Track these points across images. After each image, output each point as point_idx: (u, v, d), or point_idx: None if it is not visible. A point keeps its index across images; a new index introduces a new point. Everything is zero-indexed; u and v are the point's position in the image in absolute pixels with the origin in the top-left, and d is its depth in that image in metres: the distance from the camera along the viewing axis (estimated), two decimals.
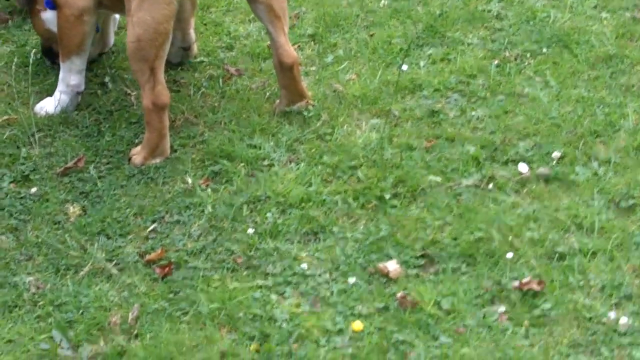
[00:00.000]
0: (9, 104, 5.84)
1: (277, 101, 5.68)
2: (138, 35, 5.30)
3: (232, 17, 6.32)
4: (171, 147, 5.44)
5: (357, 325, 4.41)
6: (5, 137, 5.62)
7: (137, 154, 5.40)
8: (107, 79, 5.98)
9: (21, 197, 5.25)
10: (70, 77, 5.82)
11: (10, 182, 5.33)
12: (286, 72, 5.53)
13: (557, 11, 6.06)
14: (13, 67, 6.05)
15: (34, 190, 5.28)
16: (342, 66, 5.87)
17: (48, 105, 5.87)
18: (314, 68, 5.89)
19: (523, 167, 5.06)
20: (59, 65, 5.84)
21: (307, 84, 5.71)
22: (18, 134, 5.61)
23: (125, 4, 5.32)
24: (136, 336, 4.49)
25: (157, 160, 5.42)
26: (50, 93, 5.86)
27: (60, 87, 5.86)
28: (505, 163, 5.14)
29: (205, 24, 6.27)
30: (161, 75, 5.36)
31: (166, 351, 4.38)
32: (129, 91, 5.79)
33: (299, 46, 6.08)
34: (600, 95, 5.45)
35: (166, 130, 5.41)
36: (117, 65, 5.87)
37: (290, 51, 5.50)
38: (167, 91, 5.36)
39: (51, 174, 5.36)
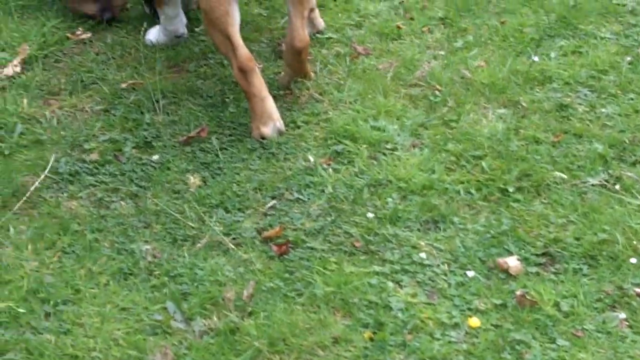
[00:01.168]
0: (135, 68, 5.84)
1: (281, 75, 5.70)
2: (204, 6, 5.34)
3: None
4: (294, 123, 5.40)
5: (475, 321, 4.34)
6: (130, 101, 5.60)
7: (253, 126, 5.32)
8: None
9: (142, 164, 5.24)
10: (166, 23, 6.07)
11: (133, 148, 5.30)
12: (295, 54, 5.52)
13: None
14: (142, 31, 6.01)
15: (155, 157, 5.27)
16: (472, 52, 5.82)
17: (152, 36, 6.14)
18: (442, 52, 5.84)
19: None
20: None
21: (435, 67, 5.62)
22: (143, 99, 5.59)
23: None
24: (250, 314, 4.45)
25: (269, 130, 5.38)
26: (177, 59, 5.82)
27: (161, 29, 6.12)
28: (634, 164, 5.06)
29: (334, 0, 6.16)
30: (239, 40, 5.37)
31: (279, 332, 4.34)
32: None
33: (428, 29, 6.00)
34: None
35: (265, 93, 5.39)
36: (244, 36, 5.77)
37: (303, 35, 5.48)
38: (249, 54, 5.36)
39: (173, 142, 5.33)
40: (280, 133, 5.34)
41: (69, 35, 6.25)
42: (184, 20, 6.19)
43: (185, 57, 5.93)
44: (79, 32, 6.25)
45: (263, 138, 5.34)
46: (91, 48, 6.14)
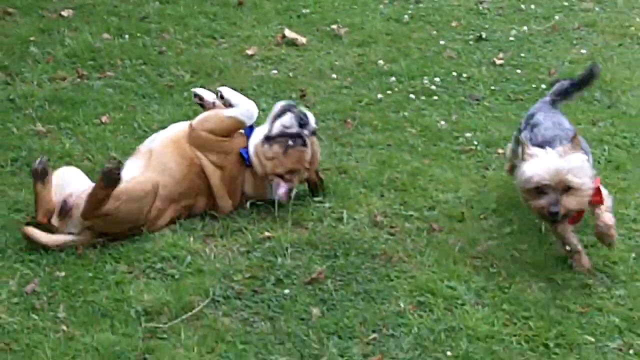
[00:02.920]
0: (270, 224, 5.80)
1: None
2: None
3: (434, 185, 6.25)
4: (388, 277, 5.45)
5: None
6: (265, 247, 5.58)
7: None
8: None
9: (277, 295, 5.26)
10: None
11: (271, 284, 5.28)
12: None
13: None
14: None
15: (286, 291, 5.27)
16: (517, 237, 5.83)
17: None
18: (495, 235, 5.84)
19: None
20: None
21: (491, 246, 5.73)
22: (275, 246, 5.57)
23: None
24: None
25: None
26: (299, 219, 5.86)
27: None
28: (639, 335, 5.04)
29: (414, 188, 6.21)
30: None
31: None
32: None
33: (484, 216, 6.06)
34: None
35: None
36: None
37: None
38: None
39: (300, 281, 5.32)
40: None
41: None
42: None
43: (306, 217, 5.93)
44: None
45: None
46: None
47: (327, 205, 6.06)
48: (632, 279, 5.49)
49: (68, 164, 6.30)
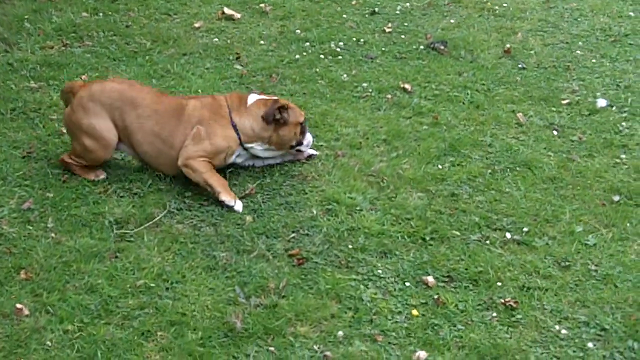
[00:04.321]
0: None
1: None
2: None
3: (339, 123, 6.19)
4: (304, 191, 5.39)
5: (415, 312, 4.35)
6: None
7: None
8: None
9: (218, 208, 5.20)
10: None
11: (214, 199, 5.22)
12: None
13: (524, 147, 5.93)
14: None
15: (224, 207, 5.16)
16: (402, 160, 5.77)
17: None
18: (385, 158, 5.79)
19: (507, 234, 4.98)
20: None
21: (382, 166, 5.64)
22: (218, 171, 5.48)
23: None
24: (283, 297, 4.49)
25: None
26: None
27: None
28: (495, 230, 5.08)
29: (323, 125, 6.16)
30: None
31: (300, 309, 4.42)
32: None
33: (377, 144, 5.98)
34: (549, 199, 5.34)
35: None
36: None
37: None
38: None
39: (236, 195, 5.26)
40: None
41: None
42: None
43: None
44: None
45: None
46: None
47: None
48: (488, 188, 5.50)
49: (55, 112, 6.17)
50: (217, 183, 5.19)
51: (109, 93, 5.34)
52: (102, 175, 5.36)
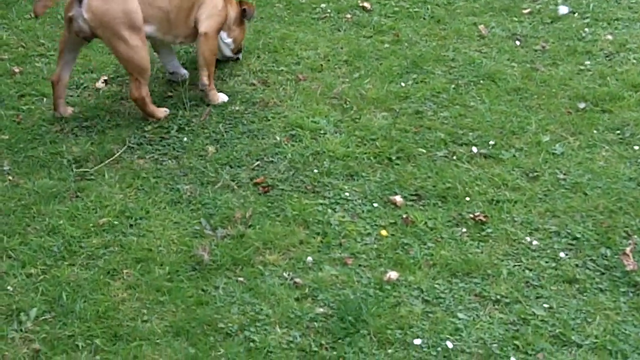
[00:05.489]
0: (172, 85, 5.55)
1: None
2: None
3: (299, 46, 6.04)
4: (266, 118, 5.26)
5: (384, 232, 4.26)
6: (171, 103, 5.36)
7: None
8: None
9: (180, 139, 5.08)
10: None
11: (175, 131, 5.08)
12: None
13: (487, 60, 5.80)
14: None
15: (185, 138, 5.03)
16: (365, 80, 5.70)
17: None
18: (347, 79, 5.71)
19: (473, 148, 4.88)
20: None
21: (344, 88, 5.55)
22: (177, 102, 5.37)
23: None
24: (250, 226, 4.38)
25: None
26: (195, 80, 5.60)
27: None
28: (461, 145, 4.99)
29: (283, 49, 6.00)
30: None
31: (267, 237, 4.30)
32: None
33: (338, 66, 5.87)
34: (514, 110, 5.24)
35: None
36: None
37: None
38: None
39: (197, 127, 5.13)
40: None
41: None
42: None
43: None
44: None
45: None
46: None
47: (217, 66, 5.82)
48: (453, 104, 5.39)
49: (5, 51, 5.96)
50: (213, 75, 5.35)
51: None
52: (167, 111, 5.28)
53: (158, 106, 5.24)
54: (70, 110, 5.23)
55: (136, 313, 3.85)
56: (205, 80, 5.28)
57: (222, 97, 5.39)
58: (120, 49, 4.90)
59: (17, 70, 5.71)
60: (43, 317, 3.83)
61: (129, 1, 4.87)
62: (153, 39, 5.19)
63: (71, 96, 5.44)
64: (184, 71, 5.60)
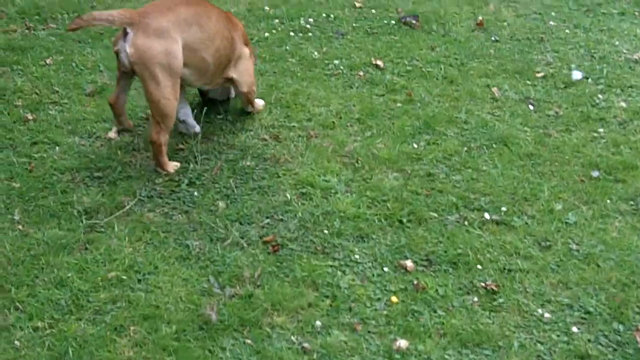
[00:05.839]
0: (183, 138, 5.56)
1: None
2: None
3: (311, 102, 6.06)
4: (277, 174, 5.24)
5: (395, 298, 4.23)
6: (180, 156, 5.36)
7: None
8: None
9: (190, 194, 5.07)
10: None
11: (185, 185, 5.07)
12: None
13: (500, 123, 5.82)
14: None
15: (196, 193, 5.02)
16: (377, 140, 5.73)
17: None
18: (359, 138, 5.74)
19: (485, 214, 4.87)
20: None
21: (356, 147, 5.58)
22: (188, 155, 5.36)
23: None
24: (258, 286, 4.36)
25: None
26: (207, 133, 5.61)
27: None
28: (473, 210, 4.96)
29: (295, 104, 6.02)
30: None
31: (276, 298, 4.26)
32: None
33: (350, 124, 5.86)
34: (527, 176, 5.24)
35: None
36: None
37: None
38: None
39: (208, 181, 5.13)
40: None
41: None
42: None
43: (212, 131, 5.70)
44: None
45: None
46: None
47: (229, 119, 5.83)
48: (465, 167, 5.38)
49: (19, 98, 5.98)
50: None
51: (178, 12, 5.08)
52: (178, 165, 5.29)
53: (169, 158, 5.24)
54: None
55: None
56: (251, 109, 5.78)
57: (260, 102, 5.86)
58: (151, 88, 4.93)
59: (30, 117, 5.72)
60: None
61: (172, 45, 4.91)
62: (183, 81, 5.20)
63: (83, 145, 5.44)
64: (196, 125, 5.60)
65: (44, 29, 7.05)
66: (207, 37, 5.15)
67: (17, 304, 4.17)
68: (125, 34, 4.92)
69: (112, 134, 5.56)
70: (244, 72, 5.57)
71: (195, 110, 5.72)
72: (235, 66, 5.49)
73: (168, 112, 5.01)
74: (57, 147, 5.43)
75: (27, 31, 6.99)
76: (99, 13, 4.88)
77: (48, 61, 6.47)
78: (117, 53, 5.05)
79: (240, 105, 5.84)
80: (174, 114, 5.05)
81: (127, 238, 4.66)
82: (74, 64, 6.47)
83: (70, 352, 3.89)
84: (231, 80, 5.54)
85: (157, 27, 4.89)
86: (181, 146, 5.50)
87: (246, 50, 5.58)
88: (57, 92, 6.11)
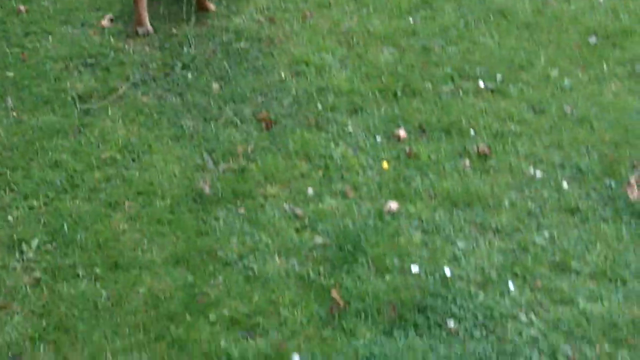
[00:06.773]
0: (177, 22, 5.56)
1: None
2: None
3: None
4: (272, 54, 5.24)
5: (386, 164, 4.27)
6: (176, 41, 5.36)
7: None
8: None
9: (184, 76, 5.06)
10: None
11: (179, 68, 5.09)
12: None
13: None
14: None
15: (189, 75, 5.05)
16: (372, 17, 5.65)
17: None
18: (355, 16, 5.68)
19: (480, 83, 4.87)
20: None
21: (351, 25, 5.53)
22: (182, 40, 5.36)
23: None
24: (252, 160, 4.38)
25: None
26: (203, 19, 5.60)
27: None
28: (468, 79, 4.97)
29: None
30: None
31: (269, 171, 4.33)
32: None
33: (347, 2, 5.82)
34: (523, 45, 5.22)
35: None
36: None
37: None
38: None
39: (202, 64, 5.14)
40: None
41: None
42: None
43: (205, 14, 5.69)
44: None
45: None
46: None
47: (223, 3, 5.82)
48: (461, 39, 5.37)
49: None
50: None
51: None
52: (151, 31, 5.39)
53: (162, 43, 5.25)
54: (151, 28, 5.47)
55: (136, 243, 3.90)
56: None
57: None
58: None
59: (23, 8, 5.74)
60: (44, 247, 3.88)
61: None
62: None
63: (76, 34, 5.46)
64: None
65: None
66: None
67: (12, 185, 4.25)
68: None
69: (105, 22, 5.58)
70: None
71: None
72: None
73: None
74: (50, 37, 5.46)
75: None
76: None
77: None
78: None
79: None
80: None
81: (120, 120, 4.71)
82: None
83: (66, 227, 3.98)
84: None
85: None
86: (174, 31, 5.50)
87: None
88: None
